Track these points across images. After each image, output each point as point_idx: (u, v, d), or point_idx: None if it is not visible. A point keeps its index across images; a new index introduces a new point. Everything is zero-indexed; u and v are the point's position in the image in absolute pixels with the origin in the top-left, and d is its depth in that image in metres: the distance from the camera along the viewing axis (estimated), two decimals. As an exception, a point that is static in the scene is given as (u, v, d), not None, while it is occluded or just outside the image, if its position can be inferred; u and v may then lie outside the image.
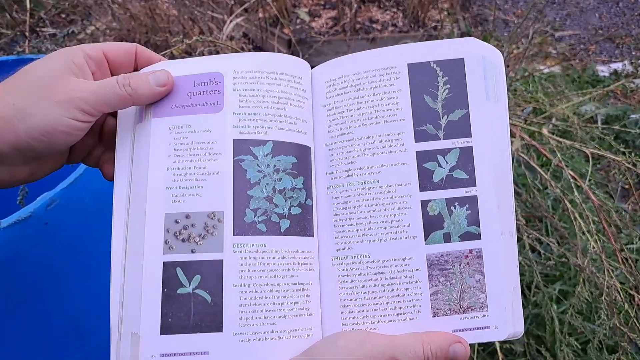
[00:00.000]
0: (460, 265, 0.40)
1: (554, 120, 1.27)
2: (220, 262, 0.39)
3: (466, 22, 2.15)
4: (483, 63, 0.42)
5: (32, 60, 0.46)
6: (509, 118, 0.53)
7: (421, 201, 0.41)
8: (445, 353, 0.38)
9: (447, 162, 0.41)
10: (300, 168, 0.43)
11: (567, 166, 0.97)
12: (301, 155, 0.43)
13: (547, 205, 1.17)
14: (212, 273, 0.39)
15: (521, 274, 0.84)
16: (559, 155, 0.96)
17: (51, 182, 0.59)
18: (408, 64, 0.43)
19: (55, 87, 0.38)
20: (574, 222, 0.89)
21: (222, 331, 0.38)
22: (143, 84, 0.41)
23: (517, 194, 1.06)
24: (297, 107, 0.44)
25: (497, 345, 0.82)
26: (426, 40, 1.69)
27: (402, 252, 0.40)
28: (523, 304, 0.72)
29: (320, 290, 0.42)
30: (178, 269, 0.39)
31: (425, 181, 0.41)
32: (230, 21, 1.50)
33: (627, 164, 0.90)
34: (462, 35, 1.93)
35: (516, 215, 0.79)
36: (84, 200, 0.62)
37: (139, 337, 0.38)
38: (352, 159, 0.42)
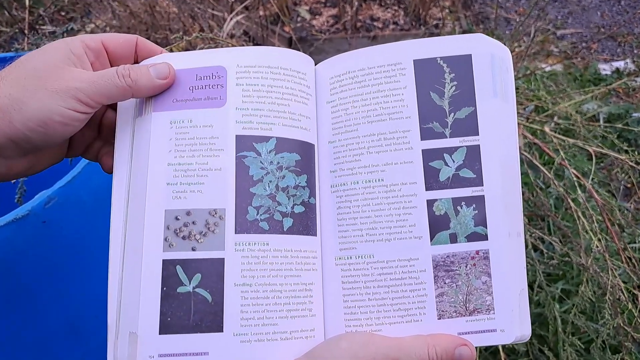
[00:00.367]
0: (466, 267, 0.39)
1: (556, 118, 1.27)
2: (221, 261, 0.39)
3: (468, 20, 2.15)
4: (491, 59, 0.41)
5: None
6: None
7: (427, 200, 0.40)
8: (451, 356, 0.37)
9: (453, 161, 0.40)
10: (303, 166, 0.42)
11: (570, 165, 0.97)
12: (305, 153, 0.42)
13: (550, 204, 1.17)
14: (213, 272, 0.38)
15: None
16: (562, 153, 0.95)
17: (49, 180, 0.58)
18: (414, 60, 0.42)
19: (52, 76, 0.38)
20: (577, 221, 0.89)
21: (222, 331, 0.38)
22: (143, 75, 0.40)
23: (519, 192, 1.05)
24: (301, 103, 0.43)
25: (500, 345, 0.81)
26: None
27: (407, 252, 0.40)
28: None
29: (323, 291, 0.41)
30: (178, 267, 0.38)
31: (431, 180, 0.40)
32: (231, 19, 1.50)
33: (630, 163, 0.89)
34: (464, 33, 1.92)
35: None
36: (83, 198, 0.62)
37: (137, 337, 0.37)
38: (356, 156, 0.42)
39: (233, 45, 0.90)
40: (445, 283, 0.39)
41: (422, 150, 0.41)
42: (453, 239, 0.39)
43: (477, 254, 0.39)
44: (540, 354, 0.93)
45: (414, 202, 0.40)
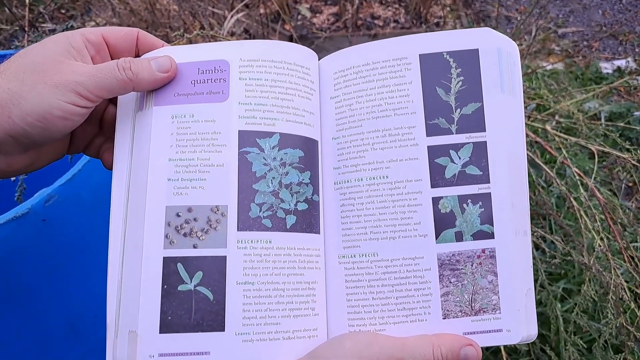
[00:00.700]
0: (472, 266, 0.38)
1: (557, 117, 1.26)
2: (223, 259, 0.38)
3: (468, 18, 2.14)
4: (498, 54, 0.41)
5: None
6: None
7: (432, 198, 0.39)
8: (457, 356, 0.37)
9: (459, 158, 0.40)
10: (307, 162, 0.41)
11: (571, 163, 0.96)
12: (308, 149, 0.42)
13: (552, 202, 1.16)
14: (214, 269, 0.38)
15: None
16: (564, 152, 0.95)
17: (49, 178, 0.58)
18: (420, 55, 0.41)
19: (52, 70, 0.37)
20: (579, 220, 0.88)
21: (224, 330, 0.37)
22: (145, 69, 0.40)
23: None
24: (305, 98, 0.42)
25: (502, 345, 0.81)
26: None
27: (411, 251, 0.39)
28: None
29: (326, 290, 0.40)
30: (179, 265, 0.38)
31: (437, 177, 0.40)
32: (231, 17, 1.49)
33: (632, 161, 0.89)
34: (466, 30, 1.92)
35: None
36: (83, 197, 0.61)
37: (137, 336, 0.37)
38: (360, 153, 0.41)
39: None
40: (450, 282, 0.38)
41: (428, 146, 0.40)
42: (459, 237, 0.39)
43: (483, 252, 0.38)
44: (542, 354, 0.93)
45: (419, 200, 0.39)
